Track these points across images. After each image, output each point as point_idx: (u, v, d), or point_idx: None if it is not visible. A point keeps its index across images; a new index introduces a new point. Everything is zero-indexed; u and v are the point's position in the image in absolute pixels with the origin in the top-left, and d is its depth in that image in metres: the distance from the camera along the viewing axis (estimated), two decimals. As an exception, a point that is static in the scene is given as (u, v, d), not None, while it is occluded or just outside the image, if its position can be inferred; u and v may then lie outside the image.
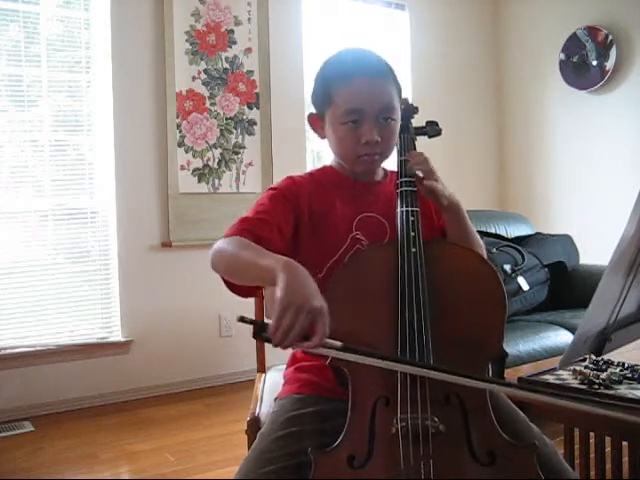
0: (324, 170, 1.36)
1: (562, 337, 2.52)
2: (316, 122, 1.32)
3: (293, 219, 1.24)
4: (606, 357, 1.32)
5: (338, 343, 0.96)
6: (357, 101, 1.21)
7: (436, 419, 0.99)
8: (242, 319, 0.99)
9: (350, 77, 1.22)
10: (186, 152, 3.44)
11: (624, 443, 1.69)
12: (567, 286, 3.03)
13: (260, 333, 0.97)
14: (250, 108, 3.63)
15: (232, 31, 3.57)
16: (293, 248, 1.24)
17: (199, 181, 3.48)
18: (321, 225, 1.25)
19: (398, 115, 1.27)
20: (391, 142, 1.26)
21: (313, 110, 1.33)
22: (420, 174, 1.21)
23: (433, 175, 1.23)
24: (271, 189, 1.29)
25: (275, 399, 1.27)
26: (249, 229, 1.18)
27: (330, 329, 0.94)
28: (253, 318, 0.99)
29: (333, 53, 1.30)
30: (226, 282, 1.20)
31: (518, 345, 2.39)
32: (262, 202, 1.25)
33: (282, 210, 1.24)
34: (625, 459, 1.71)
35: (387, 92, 1.23)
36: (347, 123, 1.22)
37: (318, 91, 1.29)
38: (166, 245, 3.39)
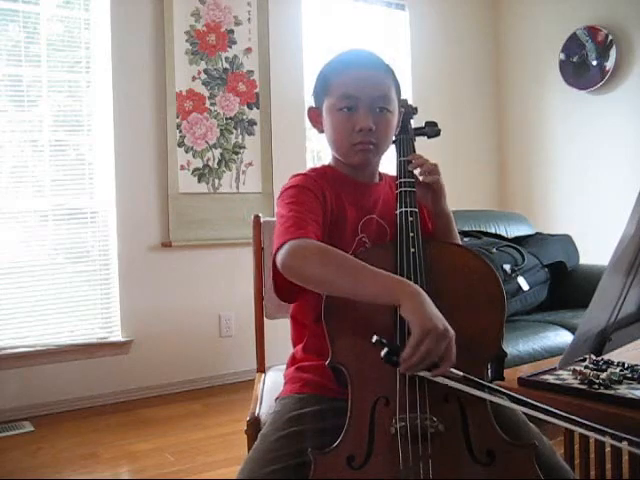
0: (324, 169, 1.34)
1: (562, 337, 2.52)
2: (314, 116, 1.33)
3: (323, 214, 1.22)
4: (606, 357, 1.32)
5: (459, 373, 0.98)
6: (352, 87, 1.23)
7: (435, 419, 0.99)
8: (379, 341, 0.98)
9: (347, 67, 1.26)
10: (186, 152, 3.44)
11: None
12: (567, 286, 3.03)
13: (390, 357, 0.97)
14: (250, 108, 3.63)
15: (232, 31, 3.57)
16: None
17: (199, 181, 3.48)
18: (335, 224, 1.24)
19: (395, 108, 1.27)
20: (385, 133, 1.26)
21: (313, 105, 1.34)
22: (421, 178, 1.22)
23: (440, 185, 1.26)
24: (292, 187, 1.24)
25: (276, 399, 1.27)
26: (312, 230, 1.13)
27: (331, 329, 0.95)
28: (386, 341, 0.98)
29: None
30: (276, 286, 1.18)
31: (518, 345, 2.39)
32: (297, 200, 1.20)
33: (317, 206, 1.21)
34: (625, 459, 1.71)
35: (383, 83, 1.25)
36: (342, 110, 1.24)
37: (318, 82, 1.31)
38: (166, 245, 3.39)
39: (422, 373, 0.98)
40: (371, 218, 1.28)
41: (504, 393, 0.99)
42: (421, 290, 1.01)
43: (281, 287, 1.18)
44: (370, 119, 1.22)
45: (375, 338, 0.99)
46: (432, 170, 1.27)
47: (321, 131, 1.33)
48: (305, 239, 1.10)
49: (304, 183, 1.24)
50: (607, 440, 0.87)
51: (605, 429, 0.87)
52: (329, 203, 1.24)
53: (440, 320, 0.97)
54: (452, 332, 0.97)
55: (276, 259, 1.11)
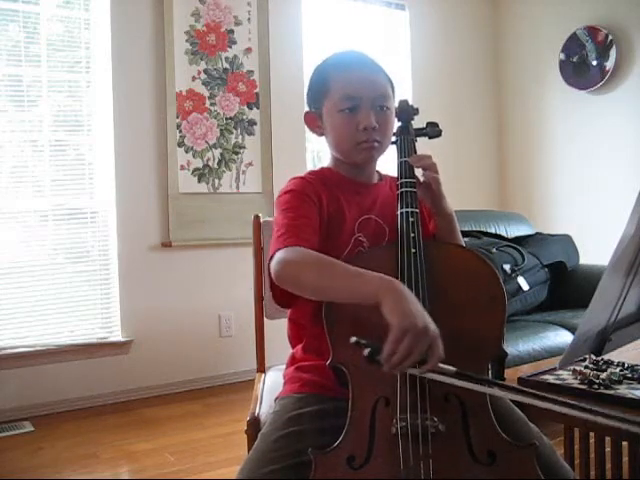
0: (323, 171, 1.35)
1: (562, 337, 2.52)
2: (312, 120, 1.33)
3: (319, 218, 1.23)
4: (606, 357, 1.32)
5: (451, 368, 0.95)
6: (354, 87, 1.24)
7: (436, 419, 0.99)
8: (357, 342, 0.97)
9: (347, 66, 1.28)
10: (186, 152, 3.44)
11: (624, 443, 1.69)
12: (567, 286, 3.03)
13: (374, 356, 0.95)
14: (250, 108, 3.63)
15: (232, 31, 3.57)
16: None
17: (199, 181, 3.48)
18: (332, 225, 1.25)
19: (392, 105, 1.30)
20: (388, 130, 1.28)
21: (308, 109, 1.35)
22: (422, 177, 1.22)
23: (438, 183, 1.25)
24: (288, 192, 1.25)
25: (275, 399, 1.27)
26: (304, 237, 1.15)
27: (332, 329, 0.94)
28: (365, 341, 0.97)
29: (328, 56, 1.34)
30: (274, 292, 1.19)
31: (518, 345, 2.39)
32: (292, 206, 1.22)
33: (312, 211, 1.22)
34: (625, 459, 1.71)
35: (381, 82, 1.28)
36: (344, 111, 1.24)
37: (315, 84, 1.32)
38: (166, 245, 3.39)
39: (411, 371, 0.97)
40: (369, 218, 1.28)
41: (502, 385, 0.98)
42: (403, 287, 1.00)
43: (278, 293, 1.19)
44: (373, 117, 1.24)
45: (353, 339, 0.97)
46: (430, 166, 1.27)
47: (320, 134, 1.33)
48: (294, 247, 1.12)
49: (300, 187, 1.26)
50: (611, 422, 0.86)
51: (608, 413, 0.86)
52: (325, 206, 1.25)
53: (420, 317, 0.95)
54: (434, 328, 0.95)
55: (270, 268, 1.14)
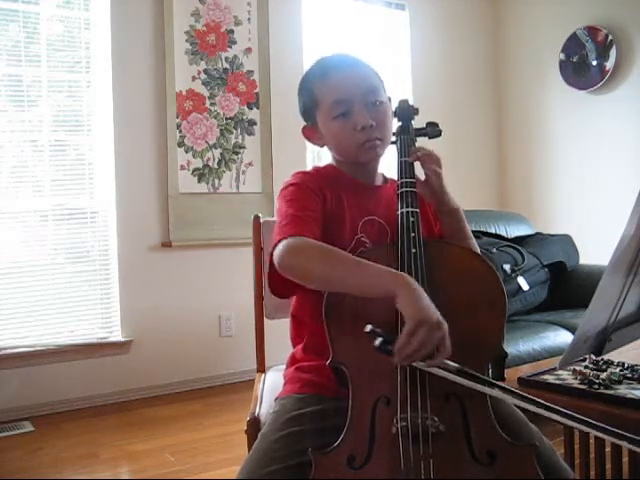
0: (327, 168, 1.35)
1: (562, 337, 2.52)
2: (310, 133, 1.34)
3: (322, 213, 1.23)
4: (606, 357, 1.32)
5: (455, 365, 0.98)
6: (341, 91, 1.24)
7: (436, 419, 0.99)
8: (372, 331, 0.98)
9: (328, 74, 1.26)
10: (186, 152, 3.44)
11: (624, 443, 1.68)
12: (567, 286, 3.03)
13: (384, 346, 0.97)
14: (250, 108, 3.63)
15: (232, 31, 3.57)
16: None
17: (199, 181, 3.48)
18: (334, 222, 1.24)
19: (385, 96, 1.29)
20: (386, 124, 1.27)
21: (305, 124, 1.34)
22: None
23: (439, 177, 1.25)
24: (292, 184, 1.25)
25: (275, 399, 1.27)
26: (308, 228, 1.14)
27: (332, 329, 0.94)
28: (379, 330, 0.98)
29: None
30: (272, 282, 1.18)
31: (518, 345, 2.39)
32: (296, 198, 1.21)
33: (317, 205, 1.22)
34: (625, 459, 1.71)
35: (366, 77, 1.27)
36: (338, 117, 1.24)
37: (304, 99, 1.31)
38: (166, 245, 3.39)
39: (417, 364, 0.98)
40: (372, 219, 1.28)
41: (502, 387, 0.98)
42: (416, 283, 1.01)
43: (277, 283, 1.18)
44: (367, 116, 1.23)
45: (369, 327, 0.98)
46: (435, 160, 1.27)
47: (322, 145, 1.33)
48: (301, 237, 1.11)
49: (304, 181, 1.25)
50: (607, 438, 0.87)
51: (605, 427, 0.87)
52: (329, 202, 1.25)
53: (434, 312, 0.97)
54: (445, 325, 0.97)
55: (273, 257, 1.12)
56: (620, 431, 0.86)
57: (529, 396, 0.95)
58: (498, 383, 0.99)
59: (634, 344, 1.39)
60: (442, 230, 1.32)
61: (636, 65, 3.89)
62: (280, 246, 1.11)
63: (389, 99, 1.32)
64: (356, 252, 1.23)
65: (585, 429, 0.89)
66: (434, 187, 1.26)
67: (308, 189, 1.23)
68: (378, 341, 0.98)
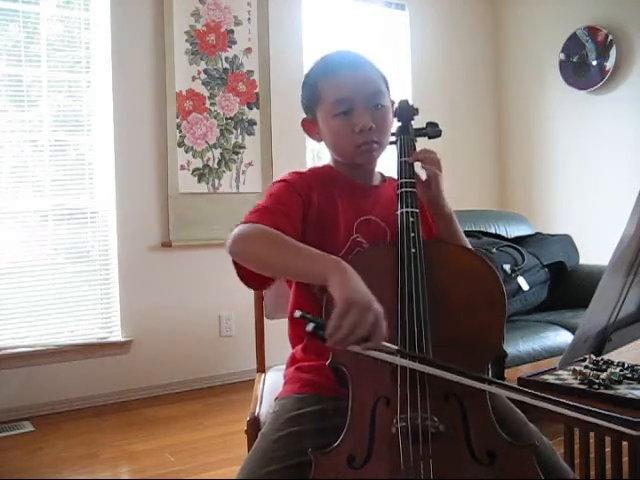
0: (324, 169, 1.35)
1: (562, 337, 2.52)
2: (310, 126, 1.33)
3: (302, 214, 1.23)
4: (606, 357, 1.32)
5: (394, 347, 0.97)
6: (344, 90, 1.23)
7: (436, 419, 0.99)
8: (302, 316, 0.98)
9: (334, 70, 1.26)
10: (186, 152, 3.44)
11: (624, 443, 1.69)
12: (567, 286, 3.03)
13: (317, 331, 0.96)
14: (250, 108, 3.63)
15: (232, 31, 3.57)
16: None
17: (199, 181, 3.48)
18: (326, 224, 1.24)
19: (388, 101, 1.28)
20: (385, 128, 1.27)
21: (305, 116, 1.34)
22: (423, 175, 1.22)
23: (437, 180, 1.24)
24: (281, 181, 1.26)
25: (275, 399, 1.27)
26: (271, 218, 1.14)
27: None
28: (310, 316, 0.98)
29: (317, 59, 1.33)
30: (240, 272, 1.17)
31: (518, 345, 2.39)
32: (276, 192, 1.22)
33: (295, 203, 1.22)
34: (625, 459, 1.71)
35: (373, 79, 1.26)
36: (339, 115, 1.23)
37: (306, 93, 1.31)
38: (166, 245, 3.39)
39: (352, 347, 0.96)
40: (368, 219, 1.28)
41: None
42: (349, 267, 1.00)
43: (243, 271, 1.17)
44: (368, 118, 1.22)
45: (299, 313, 0.98)
46: (435, 162, 1.26)
47: (319, 140, 1.32)
48: (255, 224, 1.12)
49: (293, 181, 1.26)
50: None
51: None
52: (317, 204, 1.24)
53: (365, 294, 0.96)
54: (377, 306, 0.96)
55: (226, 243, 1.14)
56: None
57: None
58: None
59: (634, 344, 1.39)
60: (437, 234, 1.32)
61: (636, 65, 3.89)
62: (234, 231, 1.13)
63: (392, 103, 1.32)
64: (353, 252, 1.23)
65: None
66: (432, 189, 1.26)
67: (293, 189, 1.23)
68: (310, 326, 0.97)
